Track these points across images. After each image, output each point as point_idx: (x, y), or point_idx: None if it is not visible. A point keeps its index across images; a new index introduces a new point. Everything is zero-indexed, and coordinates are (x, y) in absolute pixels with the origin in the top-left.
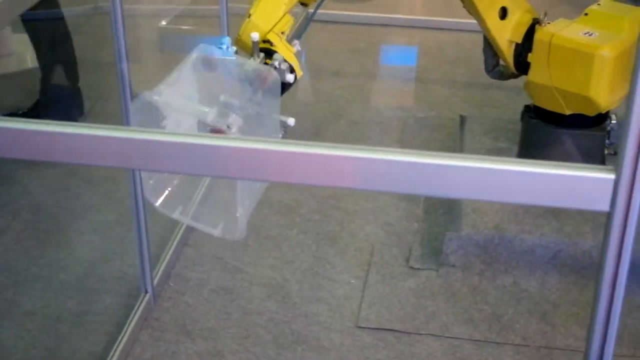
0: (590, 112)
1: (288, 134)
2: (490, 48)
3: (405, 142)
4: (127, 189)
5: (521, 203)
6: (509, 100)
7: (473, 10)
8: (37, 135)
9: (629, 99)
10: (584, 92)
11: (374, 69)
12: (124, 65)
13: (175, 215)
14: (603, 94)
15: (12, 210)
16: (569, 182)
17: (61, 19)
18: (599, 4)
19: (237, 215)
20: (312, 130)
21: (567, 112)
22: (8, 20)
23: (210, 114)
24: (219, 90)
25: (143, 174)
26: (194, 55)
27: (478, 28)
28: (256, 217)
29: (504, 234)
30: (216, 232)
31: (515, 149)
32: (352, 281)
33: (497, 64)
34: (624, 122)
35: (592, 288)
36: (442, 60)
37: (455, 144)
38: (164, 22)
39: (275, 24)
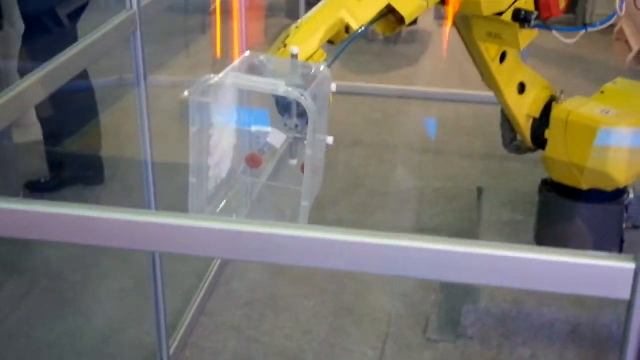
0: (608, 187)
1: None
2: (507, 122)
3: (423, 214)
4: (145, 256)
5: (540, 290)
6: (527, 172)
7: (492, 84)
8: (45, 217)
9: None
10: (602, 167)
11: (392, 140)
12: (146, 135)
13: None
14: (621, 169)
15: (31, 277)
16: (589, 271)
17: (90, 89)
18: (614, 82)
19: (303, 204)
20: (331, 200)
21: (585, 187)
22: (45, 96)
23: (281, 86)
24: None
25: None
26: (246, 53)
27: (495, 101)
28: (272, 287)
29: (522, 307)
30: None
31: (533, 221)
32: (369, 352)
33: (515, 138)
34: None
35: None
36: (460, 132)
37: (473, 216)
38: (186, 93)
39: (310, 57)
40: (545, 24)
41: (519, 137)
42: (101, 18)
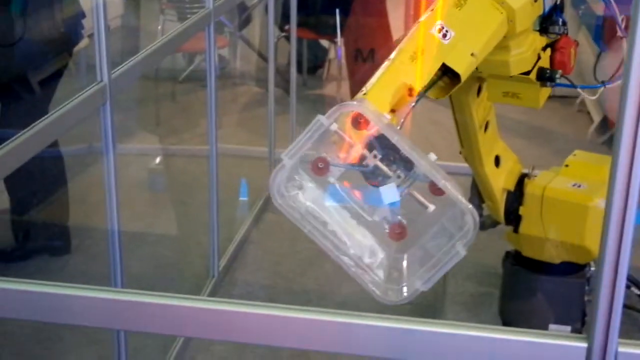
0: (584, 260)
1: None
2: (476, 198)
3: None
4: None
5: None
6: (492, 243)
7: (473, 155)
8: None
9: (598, 265)
10: (580, 242)
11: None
12: (113, 205)
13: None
14: (597, 242)
15: None
16: (542, 350)
17: (59, 158)
18: (574, 155)
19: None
20: (297, 271)
21: (557, 261)
22: (14, 167)
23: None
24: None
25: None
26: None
27: (461, 172)
28: None
29: None
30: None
31: (497, 293)
32: None
33: (481, 215)
34: (595, 293)
35: None
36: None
37: (438, 289)
38: (155, 162)
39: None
40: (570, 82)
41: (484, 213)
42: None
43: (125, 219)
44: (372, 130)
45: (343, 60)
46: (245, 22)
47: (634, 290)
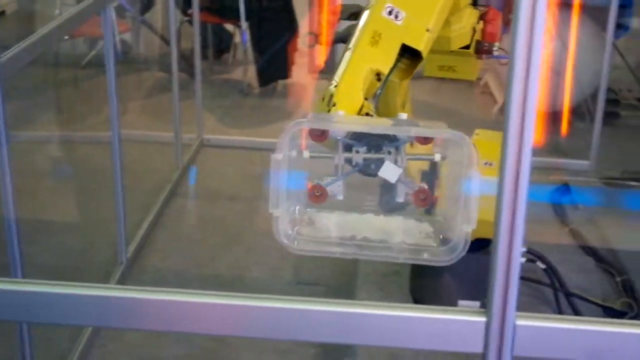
0: (491, 235)
1: None
2: None
3: (301, 268)
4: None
5: (396, 347)
6: None
7: None
8: None
9: (493, 241)
10: (488, 217)
11: (269, 193)
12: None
13: None
14: None
15: None
16: (442, 326)
17: None
18: (477, 134)
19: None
20: (208, 256)
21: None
22: None
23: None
24: None
25: None
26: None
27: None
28: (151, 348)
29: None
30: None
31: (408, 272)
32: None
33: None
34: (490, 266)
35: None
36: None
37: (351, 268)
38: (57, 149)
39: (360, 110)
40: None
41: None
42: None
43: (28, 209)
44: (338, 133)
45: (248, 45)
46: (148, 6)
47: (539, 264)
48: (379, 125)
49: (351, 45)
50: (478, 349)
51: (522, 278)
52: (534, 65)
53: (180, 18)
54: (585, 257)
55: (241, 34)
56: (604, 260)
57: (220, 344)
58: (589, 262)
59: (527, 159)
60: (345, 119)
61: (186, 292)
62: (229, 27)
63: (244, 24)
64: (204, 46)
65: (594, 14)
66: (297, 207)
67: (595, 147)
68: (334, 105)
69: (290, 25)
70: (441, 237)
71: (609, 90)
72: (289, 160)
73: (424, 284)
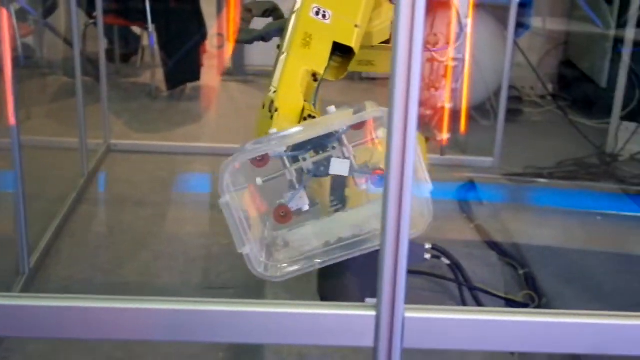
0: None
1: None
2: None
3: (210, 272)
4: None
5: (290, 343)
6: None
7: None
8: None
9: (381, 239)
10: None
11: (178, 198)
12: None
13: None
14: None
15: None
16: (334, 322)
17: None
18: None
19: None
20: (115, 263)
21: None
22: None
23: None
24: None
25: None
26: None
27: None
28: (55, 359)
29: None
30: None
31: (315, 272)
32: None
33: None
34: (379, 265)
35: None
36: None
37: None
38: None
39: (302, 113)
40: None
41: None
42: None
43: None
44: (277, 152)
45: (156, 47)
46: (51, 9)
47: (444, 260)
48: (311, 128)
49: (284, 49)
50: (369, 343)
51: (427, 274)
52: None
53: (86, 21)
54: (489, 252)
55: (148, 36)
56: (507, 255)
57: (128, 353)
58: (493, 257)
59: (410, 156)
60: (278, 135)
61: (89, 298)
62: (136, 29)
63: (151, 26)
64: (111, 49)
65: (495, 13)
66: (268, 232)
67: (498, 144)
68: (276, 110)
69: (198, 27)
70: None
71: (512, 88)
72: (239, 196)
73: (331, 284)
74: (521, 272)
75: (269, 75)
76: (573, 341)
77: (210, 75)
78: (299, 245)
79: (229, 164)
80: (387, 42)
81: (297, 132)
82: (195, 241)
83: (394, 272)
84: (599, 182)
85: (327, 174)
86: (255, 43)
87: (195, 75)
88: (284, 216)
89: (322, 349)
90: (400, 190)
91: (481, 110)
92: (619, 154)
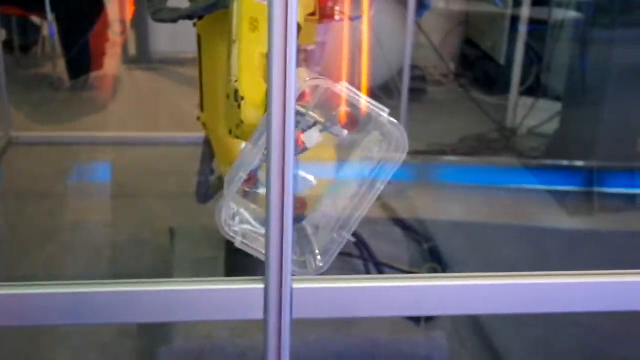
0: (301, 211)
1: None
2: (209, 164)
3: (117, 261)
4: None
5: (179, 320)
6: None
7: (215, 118)
8: None
9: (266, 212)
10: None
11: (82, 189)
12: None
13: None
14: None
15: None
16: (224, 296)
17: None
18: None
19: None
20: (20, 257)
21: None
22: None
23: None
24: None
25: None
26: None
27: (186, 142)
28: None
29: (216, 340)
30: None
31: (223, 255)
32: None
33: (208, 182)
34: (265, 237)
35: None
36: (152, 174)
37: (168, 257)
38: None
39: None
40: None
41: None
42: None
43: None
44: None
45: (57, 37)
46: None
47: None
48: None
49: (234, 37)
50: (259, 315)
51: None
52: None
53: None
54: (394, 229)
55: (48, 26)
56: (412, 230)
57: (33, 343)
58: (398, 233)
59: (290, 131)
60: (249, 148)
61: None
62: (35, 19)
63: (50, 16)
64: (9, 40)
65: None
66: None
67: (402, 123)
68: (242, 99)
69: (99, 15)
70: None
71: (416, 67)
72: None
73: (239, 266)
74: (426, 246)
75: (175, 61)
76: (464, 303)
77: (113, 63)
78: (326, 226)
79: (223, 207)
80: (312, 14)
81: (261, 133)
82: (101, 231)
83: (280, 243)
84: (500, 156)
85: (308, 149)
86: (161, 28)
87: (97, 64)
88: (300, 207)
89: (230, 329)
90: (282, 162)
91: (385, 89)
92: (518, 128)
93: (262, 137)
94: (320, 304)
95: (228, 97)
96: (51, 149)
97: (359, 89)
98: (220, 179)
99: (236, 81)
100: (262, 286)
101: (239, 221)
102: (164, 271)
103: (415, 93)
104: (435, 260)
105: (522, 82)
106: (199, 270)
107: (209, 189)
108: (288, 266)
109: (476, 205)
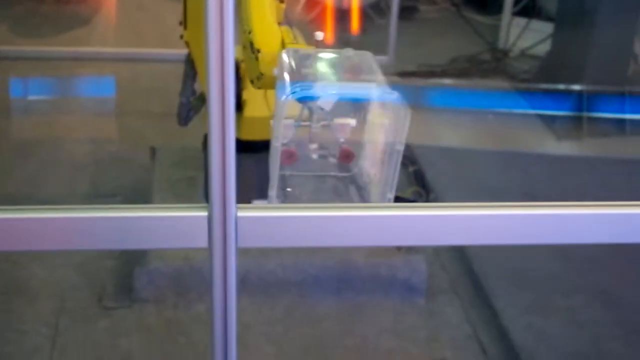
0: None
1: None
2: (191, 82)
3: (98, 180)
4: None
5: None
6: (197, 130)
7: (198, 36)
8: None
9: (208, 136)
10: None
11: (65, 105)
12: None
13: None
14: None
15: None
16: (168, 224)
17: None
18: None
19: None
20: None
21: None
22: None
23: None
24: None
25: None
26: None
27: (171, 59)
28: None
29: (193, 263)
30: None
31: (202, 176)
32: (43, 330)
33: (190, 102)
34: (208, 164)
35: (280, 305)
36: (136, 91)
37: (148, 176)
38: None
39: (282, 41)
40: None
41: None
42: None
43: None
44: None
45: None
46: None
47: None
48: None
49: None
50: (203, 244)
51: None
52: None
53: None
54: None
55: None
56: None
57: (12, 265)
58: None
59: (229, 49)
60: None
61: None
62: None
63: None
64: None
65: None
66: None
67: (392, 42)
68: (258, 52)
69: None
70: None
71: None
72: None
73: None
74: (410, 169)
75: None
76: (447, 233)
77: None
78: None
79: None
80: None
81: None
82: (82, 147)
83: (222, 170)
84: (491, 79)
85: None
86: None
87: None
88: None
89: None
90: (221, 84)
91: (376, 8)
92: (510, 49)
93: None
94: (267, 233)
95: (244, 47)
96: (34, 63)
97: (349, 6)
98: (201, 99)
99: (250, 32)
100: (205, 214)
101: None
102: (144, 190)
103: (407, 12)
104: (419, 184)
105: (516, 1)
106: (178, 190)
107: (190, 111)
108: (232, 194)
109: (464, 130)
